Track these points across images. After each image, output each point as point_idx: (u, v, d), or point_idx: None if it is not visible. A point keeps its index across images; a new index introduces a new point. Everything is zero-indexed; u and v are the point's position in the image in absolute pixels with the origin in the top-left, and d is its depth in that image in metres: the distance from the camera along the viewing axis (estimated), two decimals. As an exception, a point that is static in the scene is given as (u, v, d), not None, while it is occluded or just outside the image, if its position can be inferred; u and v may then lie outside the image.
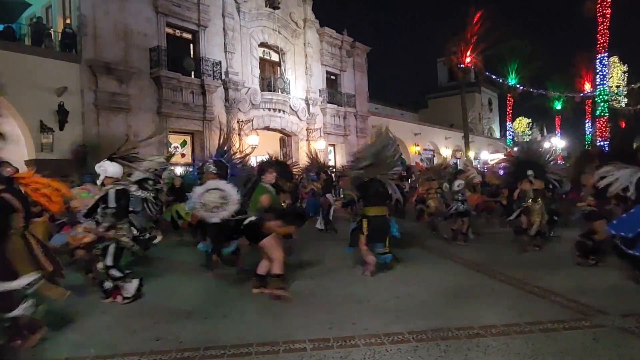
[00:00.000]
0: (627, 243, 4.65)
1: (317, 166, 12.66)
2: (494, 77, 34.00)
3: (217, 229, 5.78)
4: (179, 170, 13.30)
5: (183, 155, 16.90)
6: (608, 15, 23.79)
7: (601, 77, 25.15)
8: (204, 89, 16.53)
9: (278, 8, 19.51)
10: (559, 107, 40.76)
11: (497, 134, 44.53)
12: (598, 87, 25.59)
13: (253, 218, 4.94)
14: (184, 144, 16.95)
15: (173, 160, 15.79)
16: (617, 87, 39.13)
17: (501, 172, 10.24)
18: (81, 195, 5.81)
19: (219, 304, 4.72)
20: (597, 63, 25.22)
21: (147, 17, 15.20)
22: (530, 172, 7.52)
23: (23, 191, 3.92)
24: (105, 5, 13.99)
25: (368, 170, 6.01)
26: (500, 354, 3.27)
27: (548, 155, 8.24)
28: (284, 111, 20.05)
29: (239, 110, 18.01)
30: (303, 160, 20.21)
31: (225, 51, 17.64)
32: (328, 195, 10.42)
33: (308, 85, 21.44)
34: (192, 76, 16.46)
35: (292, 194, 10.22)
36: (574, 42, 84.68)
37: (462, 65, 29.82)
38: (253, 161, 14.70)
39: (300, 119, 20.94)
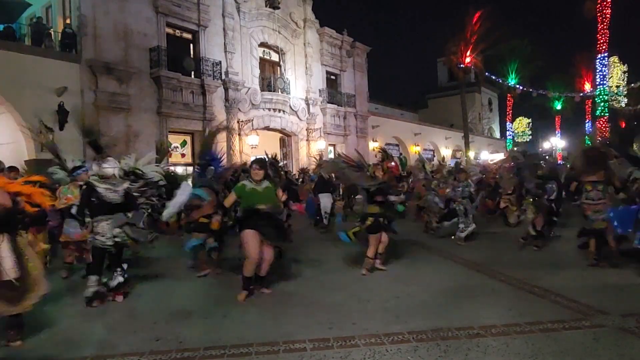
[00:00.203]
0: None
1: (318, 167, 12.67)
2: (493, 77, 34.00)
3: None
4: (179, 170, 13.27)
5: (183, 155, 16.91)
6: (608, 15, 23.81)
7: (601, 77, 25.17)
8: (204, 89, 16.54)
9: (278, 8, 19.52)
10: (559, 107, 40.78)
11: (497, 134, 44.55)
12: (598, 87, 25.61)
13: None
14: (184, 144, 16.96)
15: (173, 160, 15.83)
16: (617, 87, 39.17)
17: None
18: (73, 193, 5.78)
19: (219, 304, 4.71)
20: (597, 63, 25.24)
21: (147, 17, 15.20)
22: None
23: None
24: (105, 5, 14.00)
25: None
26: (500, 354, 3.27)
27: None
28: (284, 111, 20.06)
29: (239, 110, 18.02)
30: (303, 160, 20.30)
31: (225, 51, 17.65)
32: (326, 195, 10.37)
33: (308, 85, 21.45)
34: (192, 76, 16.47)
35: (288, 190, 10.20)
36: (574, 42, 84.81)
37: (462, 65, 29.82)
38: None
39: (300, 119, 20.94)
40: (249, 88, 18.45)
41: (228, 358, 3.37)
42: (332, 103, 22.74)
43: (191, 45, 17.13)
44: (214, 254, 6.22)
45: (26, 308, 3.67)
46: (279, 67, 20.73)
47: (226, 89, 17.52)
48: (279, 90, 19.78)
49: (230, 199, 5.04)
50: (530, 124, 45.18)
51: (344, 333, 3.75)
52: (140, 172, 5.31)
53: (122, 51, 14.34)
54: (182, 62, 15.92)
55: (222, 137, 17.42)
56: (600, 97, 25.23)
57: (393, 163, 7.76)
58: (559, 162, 9.36)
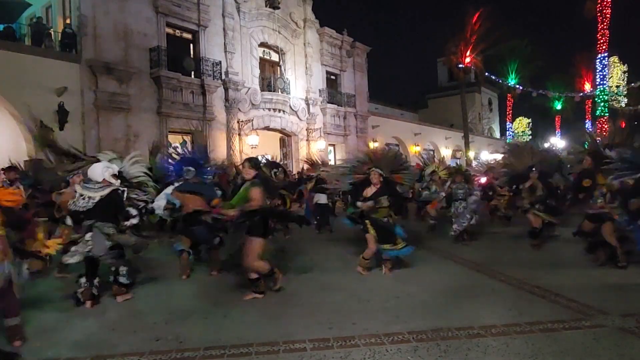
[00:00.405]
0: None
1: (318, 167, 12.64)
2: (493, 77, 34.01)
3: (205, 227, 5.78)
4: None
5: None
6: (608, 15, 23.82)
7: (601, 77, 25.19)
8: (204, 89, 16.54)
9: (278, 8, 19.52)
10: (559, 107, 40.79)
11: (497, 134, 44.56)
12: (598, 87, 25.64)
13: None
14: (183, 144, 16.94)
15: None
16: (617, 87, 39.15)
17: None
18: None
19: (219, 304, 4.71)
20: (597, 63, 25.26)
21: (147, 17, 15.21)
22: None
23: None
24: (105, 5, 14.00)
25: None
26: (500, 354, 3.27)
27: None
28: (284, 111, 20.06)
29: (239, 110, 18.02)
30: (305, 159, 20.29)
31: (225, 51, 17.65)
32: (322, 195, 10.35)
33: (308, 85, 21.45)
34: (192, 76, 16.47)
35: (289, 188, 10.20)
36: (574, 42, 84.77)
37: (462, 65, 29.83)
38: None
39: (300, 119, 20.94)
40: (249, 88, 18.45)
41: (228, 358, 3.37)
42: (332, 103, 22.74)
43: (191, 45, 17.13)
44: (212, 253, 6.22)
45: None
46: (279, 67, 20.73)
47: (226, 89, 17.52)
48: (279, 90, 19.79)
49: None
50: (530, 124, 45.19)
51: (344, 333, 3.75)
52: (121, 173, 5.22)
53: (122, 51, 14.34)
54: (182, 62, 15.92)
55: (222, 137, 17.47)
56: (600, 97, 25.25)
57: None
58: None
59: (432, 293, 4.93)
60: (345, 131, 23.65)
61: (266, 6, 19.31)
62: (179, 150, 7.33)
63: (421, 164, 12.04)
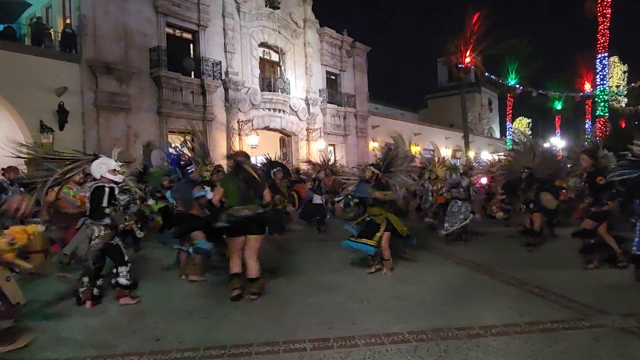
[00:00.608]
0: None
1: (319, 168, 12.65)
2: (493, 77, 34.01)
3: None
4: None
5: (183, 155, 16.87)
6: (608, 15, 23.77)
7: (601, 77, 25.13)
8: (204, 89, 16.55)
9: (278, 8, 19.52)
10: (559, 107, 40.78)
11: (497, 134, 44.54)
12: (598, 87, 25.58)
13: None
14: (183, 144, 16.92)
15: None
16: (617, 87, 39.14)
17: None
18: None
19: (219, 304, 4.71)
20: (597, 63, 25.20)
21: (147, 17, 15.21)
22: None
23: None
24: (105, 5, 14.01)
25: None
26: (500, 354, 3.26)
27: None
28: (284, 111, 20.06)
29: (239, 110, 18.02)
30: (303, 160, 20.27)
31: (225, 51, 17.65)
32: (317, 196, 10.34)
33: (308, 85, 21.45)
34: (192, 76, 16.48)
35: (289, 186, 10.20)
36: (574, 42, 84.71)
37: (461, 65, 29.82)
38: (253, 162, 14.73)
39: (300, 119, 20.95)
40: (249, 88, 18.46)
41: (228, 358, 3.37)
42: (332, 103, 22.75)
43: (191, 45, 17.14)
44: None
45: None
46: (279, 67, 20.73)
47: (226, 89, 17.52)
48: (279, 90, 19.79)
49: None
50: (530, 124, 45.16)
51: (344, 333, 3.75)
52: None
53: (122, 51, 14.35)
54: (182, 62, 15.93)
55: (222, 137, 17.47)
56: (600, 97, 25.21)
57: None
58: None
59: (432, 293, 4.93)
60: (345, 131, 23.65)
61: (266, 6, 19.31)
62: (173, 151, 7.32)
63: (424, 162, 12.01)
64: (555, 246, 7.67)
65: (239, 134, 17.96)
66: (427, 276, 5.74)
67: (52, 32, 14.49)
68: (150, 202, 7.06)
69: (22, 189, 6.86)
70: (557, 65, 65.89)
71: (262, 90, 19.19)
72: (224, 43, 17.68)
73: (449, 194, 8.58)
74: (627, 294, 4.72)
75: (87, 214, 4.72)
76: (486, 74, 32.28)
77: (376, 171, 6.04)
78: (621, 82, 40.17)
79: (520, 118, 44.47)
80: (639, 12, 68.37)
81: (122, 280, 4.71)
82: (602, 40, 24.22)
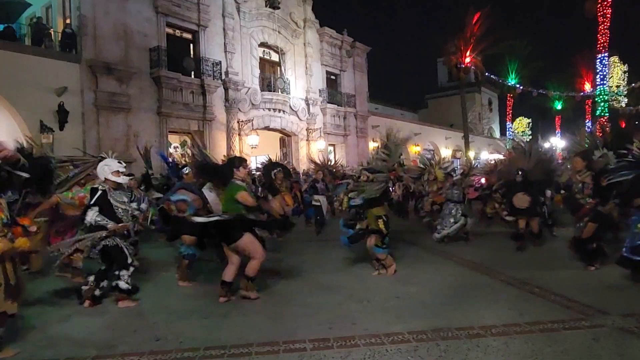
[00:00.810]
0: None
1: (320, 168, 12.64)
2: (494, 77, 34.00)
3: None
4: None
5: (183, 155, 16.89)
6: (608, 15, 23.79)
7: (601, 77, 25.16)
8: (204, 89, 16.55)
9: (278, 8, 19.52)
10: (559, 107, 40.78)
11: (497, 134, 44.54)
12: (598, 87, 25.61)
13: (227, 217, 4.65)
14: (183, 144, 16.95)
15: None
16: (617, 87, 39.14)
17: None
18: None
19: (219, 304, 4.71)
20: (597, 63, 25.23)
21: (147, 17, 15.21)
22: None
23: None
24: (105, 5, 14.01)
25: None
26: (500, 354, 3.26)
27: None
28: (284, 111, 20.07)
29: (239, 110, 18.02)
30: (303, 160, 20.30)
31: (225, 51, 17.65)
32: (316, 197, 10.34)
33: (308, 85, 21.45)
34: (192, 76, 16.48)
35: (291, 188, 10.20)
36: (574, 42, 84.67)
37: (461, 65, 29.81)
38: (253, 162, 14.76)
39: (300, 119, 20.95)
40: (249, 88, 18.46)
41: (228, 358, 3.37)
42: (332, 103, 22.74)
43: (191, 45, 17.14)
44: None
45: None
46: (279, 67, 20.73)
47: (226, 89, 17.52)
48: (279, 90, 19.79)
49: (247, 195, 4.73)
50: (530, 124, 45.17)
51: (344, 333, 3.75)
52: None
53: (122, 51, 14.35)
54: (182, 62, 15.93)
55: (222, 137, 17.48)
56: (600, 97, 25.23)
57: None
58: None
59: (432, 293, 4.93)
60: (345, 131, 23.65)
61: (266, 6, 19.31)
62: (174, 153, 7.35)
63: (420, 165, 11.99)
64: (555, 246, 7.66)
65: (239, 134, 17.97)
66: (427, 276, 5.74)
67: (52, 32, 14.49)
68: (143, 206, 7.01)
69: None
70: (557, 65, 65.81)
71: (262, 90, 19.19)
72: (224, 43, 17.68)
73: (443, 194, 8.62)
74: (627, 294, 4.72)
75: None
76: (486, 74, 32.27)
77: (371, 175, 6.03)
78: (621, 82, 40.17)
79: (520, 118, 44.46)
80: (639, 12, 68.37)
81: (123, 285, 4.68)
82: (602, 40, 24.25)
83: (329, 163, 14.73)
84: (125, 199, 4.92)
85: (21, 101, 12.07)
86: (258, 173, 10.58)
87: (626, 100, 39.42)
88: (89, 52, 13.61)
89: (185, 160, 7.39)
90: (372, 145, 23.94)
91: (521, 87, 35.52)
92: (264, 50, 19.96)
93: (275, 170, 9.04)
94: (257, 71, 19.15)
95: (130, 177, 7.00)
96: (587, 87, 37.63)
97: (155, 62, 15.06)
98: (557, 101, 40.26)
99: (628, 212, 5.28)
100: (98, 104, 13.69)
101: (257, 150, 17.55)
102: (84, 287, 4.71)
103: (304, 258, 7.18)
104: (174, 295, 5.19)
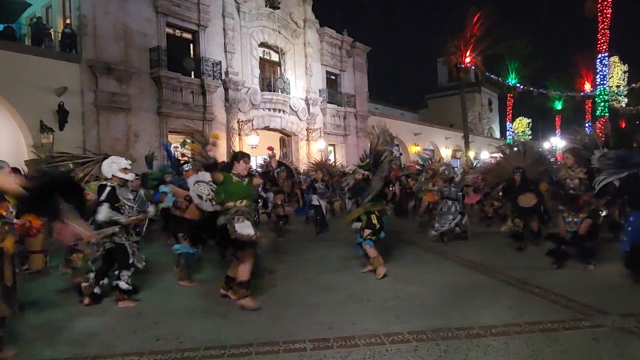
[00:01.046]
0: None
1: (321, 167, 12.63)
2: (494, 77, 34.00)
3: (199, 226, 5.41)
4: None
5: (183, 155, 16.87)
6: (608, 15, 23.76)
7: (601, 77, 25.12)
8: (204, 89, 16.55)
9: (278, 8, 19.52)
10: (559, 107, 40.78)
11: (497, 134, 44.53)
12: (598, 87, 25.56)
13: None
14: (184, 144, 16.91)
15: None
16: (618, 87, 39.10)
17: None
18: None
19: (218, 304, 4.71)
20: (597, 63, 25.19)
21: (147, 17, 15.21)
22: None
23: None
24: (105, 5, 14.00)
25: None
26: (500, 354, 3.27)
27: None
28: (284, 111, 20.06)
29: (239, 110, 18.02)
30: (303, 160, 20.30)
31: (225, 51, 17.65)
32: (315, 197, 10.33)
33: (308, 85, 21.45)
34: (192, 76, 16.48)
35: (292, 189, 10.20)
36: (574, 42, 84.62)
37: (461, 65, 29.81)
38: (253, 161, 14.76)
39: (300, 119, 20.94)
40: (249, 88, 18.46)
41: (228, 358, 3.37)
42: (332, 103, 22.74)
43: (191, 45, 17.13)
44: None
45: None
46: (279, 67, 20.73)
47: (226, 89, 17.52)
48: (279, 90, 19.79)
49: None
50: (530, 124, 45.17)
51: (344, 333, 3.75)
52: None
53: (122, 51, 14.35)
54: (182, 62, 15.92)
55: (222, 137, 17.45)
56: (601, 97, 25.20)
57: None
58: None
59: (432, 293, 4.93)
60: (345, 131, 23.65)
61: (266, 6, 19.31)
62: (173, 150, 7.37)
63: (418, 166, 11.97)
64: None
65: (239, 134, 17.96)
66: (427, 276, 5.74)
67: (52, 32, 14.49)
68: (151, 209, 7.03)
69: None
70: (557, 65, 65.89)
71: (262, 90, 19.18)
72: (224, 43, 17.68)
73: (438, 193, 8.61)
74: (627, 294, 4.73)
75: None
76: (486, 74, 32.27)
77: (366, 173, 6.03)
78: (621, 82, 40.10)
79: (520, 118, 44.43)
80: (639, 12, 68.36)
81: (123, 285, 4.70)
82: (602, 40, 24.21)
83: (328, 163, 14.70)
84: (131, 197, 4.95)
85: (21, 101, 12.07)
86: (260, 170, 10.55)
87: (626, 100, 39.38)
88: (89, 52, 13.61)
89: (185, 159, 7.36)
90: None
91: (521, 87, 35.52)
92: (264, 50, 19.96)
93: (278, 170, 9.06)
94: (257, 71, 19.15)
95: (136, 177, 7.04)
96: (587, 87, 37.63)
97: (155, 62, 15.06)
98: (557, 101, 40.27)
99: (626, 212, 5.29)
100: (98, 104, 13.68)
101: (257, 150, 17.54)
102: (84, 284, 4.74)
103: (304, 258, 7.18)
104: (174, 295, 5.19)
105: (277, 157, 11.35)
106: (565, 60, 58.80)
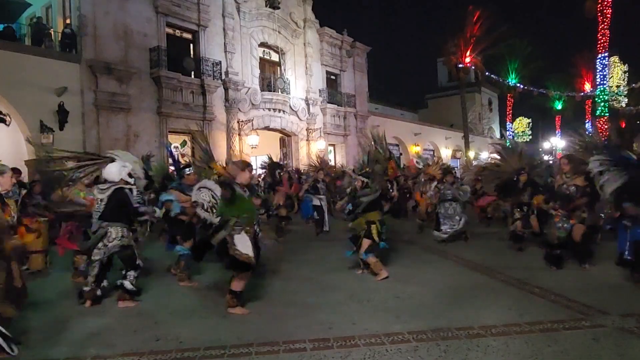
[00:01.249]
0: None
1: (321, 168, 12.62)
2: (494, 77, 34.00)
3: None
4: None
5: (183, 155, 16.89)
6: (608, 15, 23.78)
7: (601, 77, 25.14)
8: (204, 89, 16.54)
9: (278, 8, 19.51)
10: (559, 107, 40.78)
11: (497, 134, 44.52)
12: (598, 87, 25.59)
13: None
14: (184, 144, 16.95)
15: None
16: (618, 87, 39.11)
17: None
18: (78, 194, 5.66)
19: (219, 304, 4.70)
20: (597, 63, 25.21)
21: (147, 17, 15.21)
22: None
23: None
24: (105, 5, 14.00)
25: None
26: (500, 354, 3.27)
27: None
28: (284, 111, 20.06)
29: (239, 110, 18.02)
30: (303, 160, 20.30)
31: (225, 51, 17.65)
32: (316, 197, 10.32)
33: (308, 85, 21.44)
34: (192, 76, 16.47)
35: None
36: (574, 42, 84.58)
37: (461, 65, 29.81)
38: (253, 161, 14.77)
39: (300, 119, 20.94)
40: (249, 88, 18.45)
41: (228, 358, 3.37)
42: (332, 103, 22.73)
43: (191, 45, 17.13)
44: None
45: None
46: (279, 67, 20.73)
47: (226, 89, 17.52)
48: (279, 90, 19.78)
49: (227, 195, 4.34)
50: (530, 124, 45.16)
51: (344, 333, 3.75)
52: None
53: (122, 51, 14.35)
54: (182, 62, 15.92)
55: (222, 137, 17.47)
56: (601, 97, 25.21)
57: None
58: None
59: (432, 293, 4.93)
60: (345, 131, 23.64)
61: (266, 6, 19.30)
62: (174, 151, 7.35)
63: (417, 166, 11.97)
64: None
65: (239, 134, 17.96)
66: (427, 276, 5.74)
67: (52, 32, 14.48)
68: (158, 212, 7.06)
69: (24, 190, 6.87)
70: (557, 65, 65.72)
71: (262, 90, 19.18)
72: (224, 43, 17.67)
73: (430, 195, 8.60)
74: (627, 294, 4.73)
75: (100, 216, 4.69)
76: (486, 73, 32.27)
77: (366, 180, 6.01)
78: (621, 82, 40.10)
79: (520, 118, 44.43)
80: (639, 12, 68.35)
81: (128, 285, 4.70)
82: (602, 40, 24.22)
83: (326, 163, 14.68)
84: (137, 199, 5.01)
85: (21, 101, 12.07)
86: (263, 171, 10.54)
87: (626, 100, 39.39)
88: (89, 52, 13.60)
89: (185, 160, 7.36)
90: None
91: (521, 87, 35.52)
92: (264, 50, 19.96)
93: (279, 171, 9.07)
94: (257, 71, 19.14)
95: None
96: (587, 87, 37.62)
97: (155, 62, 15.06)
98: (557, 101, 40.26)
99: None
100: (98, 104, 13.68)
101: (257, 150, 17.55)
102: (85, 289, 4.72)
103: (304, 258, 7.18)
104: (174, 295, 5.19)
105: (277, 158, 11.33)
106: (565, 60, 58.76)
